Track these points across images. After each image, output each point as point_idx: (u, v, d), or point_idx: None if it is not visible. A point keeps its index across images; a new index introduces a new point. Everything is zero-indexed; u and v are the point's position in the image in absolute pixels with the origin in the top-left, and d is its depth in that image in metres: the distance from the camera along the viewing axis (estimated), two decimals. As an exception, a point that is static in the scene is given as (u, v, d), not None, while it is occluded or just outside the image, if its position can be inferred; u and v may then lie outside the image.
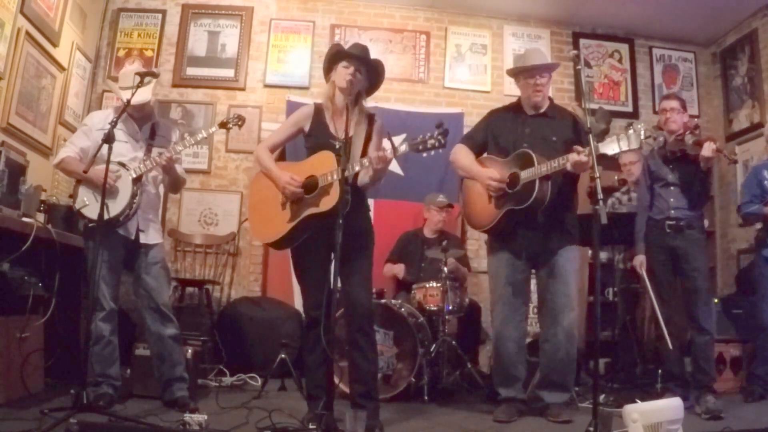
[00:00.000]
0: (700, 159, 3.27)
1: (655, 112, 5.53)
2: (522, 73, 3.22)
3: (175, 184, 3.18)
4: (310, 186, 2.69)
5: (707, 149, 3.21)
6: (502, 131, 3.23)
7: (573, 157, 2.82)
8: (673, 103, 3.51)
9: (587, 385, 3.87)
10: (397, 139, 2.79)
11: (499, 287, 3.14)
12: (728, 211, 5.26)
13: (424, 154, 2.58)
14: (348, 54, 2.79)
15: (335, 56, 2.81)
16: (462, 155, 3.27)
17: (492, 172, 3.09)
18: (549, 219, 3.07)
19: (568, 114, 3.37)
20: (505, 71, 3.49)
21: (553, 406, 3.06)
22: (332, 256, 2.53)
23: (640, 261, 3.51)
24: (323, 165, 2.65)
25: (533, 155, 2.97)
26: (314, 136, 2.82)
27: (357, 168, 2.62)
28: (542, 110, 3.24)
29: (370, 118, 2.86)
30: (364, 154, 2.74)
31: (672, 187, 3.46)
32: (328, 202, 2.61)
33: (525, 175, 2.97)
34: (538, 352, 3.22)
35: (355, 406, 2.63)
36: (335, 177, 2.56)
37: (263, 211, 2.83)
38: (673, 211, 3.43)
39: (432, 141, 2.51)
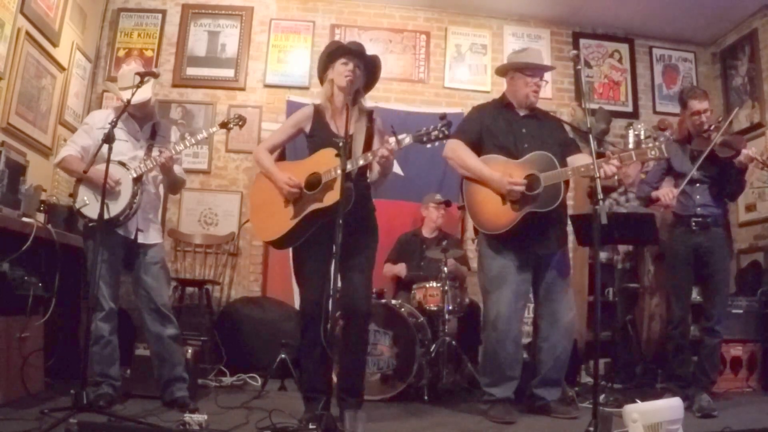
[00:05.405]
0: (735, 162, 3.20)
1: (655, 113, 5.55)
2: (523, 70, 3.18)
3: (173, 185, 3.18)
4: (314, 182, 2.70)
5: (746, 156, 3.16)
6: (498, 129, 3.17)
7: (609, 168, 2.80)
8: (707, 104, 3.39)
9: (587, 385, 3.88)
10: (398, 139, 2.79)
11: (505, 290, 3.08)
12: (729, 210, 5.25)
13: (428, 145, 2.59)
14: (347, 50, 2.80)
15: (334, 53, 2.82)
16: (465, 153, 3.12)
17: (506, 175, 2.98)
18: (552, 219, 3.08)
19: (553, 117, 3.40)
20: (505, 65, 3.33)
21: (554, 403, 3.10)
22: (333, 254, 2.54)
23: (665, 191, 3.31)
24: (326, 162, 2.66)
25: (553, 158, 2.96)
26: (316, 136, 2.83)
27: (361, 162, 2.63)
28: (532, 111, 3.23)
29: (370, 114, 2.87)
30: (367, 149, 2.75)
31: (697, 184, 3.36)
32: (332, 197, 2.61)
33: (547, 177, 2.93)
34: (534, 352, 3.23)
35: (340, 400, 2.67)
36: (338, 172, 2.56)
37: (266, 210, 2.83)
38: (699, 209, 3.34)
39: (436, 133, 2.52)
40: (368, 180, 2.81)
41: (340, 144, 2.55)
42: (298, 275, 2.86)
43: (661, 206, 3.38)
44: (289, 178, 2.73)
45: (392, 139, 2.59)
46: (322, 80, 2.91)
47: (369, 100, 3.00)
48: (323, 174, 2.67)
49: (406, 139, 2.57)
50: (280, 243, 2.84)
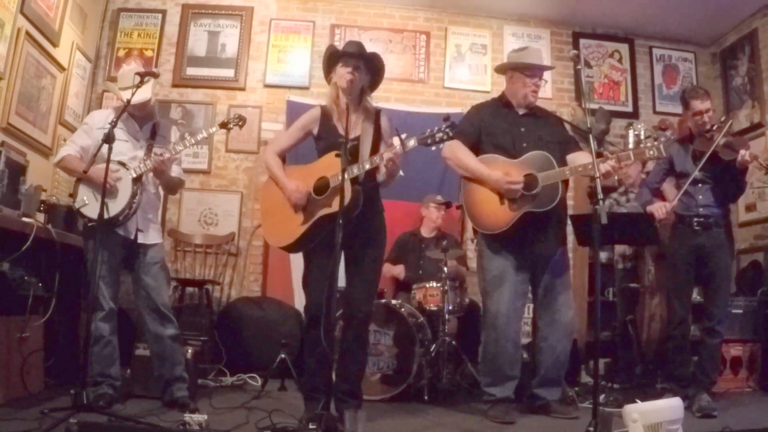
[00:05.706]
0: (736, 163, 3.17)
1: (655, 113, 5.55)
2: (522, 70, 3.18)
3: (169, 186, 3.18)
4: (322, 187, 2.70)
5: (744, 156, 3.12)
6: (496, 128, 3.16)
7: (605, 166, 2.78)
8: (709, 104, 3.37)
9: (587, 385, 3.87)
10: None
11: (504, 290, 3.08)
12: (730, 210, 5.25)
13: (433, 148, 2.59)
14: (344, 53, 2.80)
15: (331, 58, 2.82)
16: (463, 154, 3.13)
17: (504, 174, 2.99)
18: (551, 219, 3.08)
19: (552, 115, 3.40)
20: (504, 64, 3.35)
21: (554, 403, 3.11)
22: (342, 255, 2.58)
23: (658, 205, 3.33)
24: (334, 165, 2.65)
25: (551, 158, 2.96)
26: (324, 138, 2.84)
27: (367, 166, 2.63)
28: (531, 110, 3.23)
29: (377, 114, 2.86)
30: (375, 151, 2.74)
31: (699, 185, 3.34)
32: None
33: (545, 177, 2.93)
34: (534, 352, 3.23)
35: (338, 401, 2.67)
36: (346, 177, 2.56)
37: (276, 215, 2.84)
38: (701, 209, 3.33)
39: (440, 134, 2.52)
40: (377, 180, 2.81)
41: (343, 144, 2.55)
42: (307, 276, 2.85)
43: (656, 220, 3.40)
44: (297, 188, 2.74)
45: (396, 142, 2.58)
46: (329, 82, 2.91)
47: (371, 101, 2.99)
48: (331, 178, 2.67)
49: (411, 142, 2.57)
50: (291, 248, 2.86)
